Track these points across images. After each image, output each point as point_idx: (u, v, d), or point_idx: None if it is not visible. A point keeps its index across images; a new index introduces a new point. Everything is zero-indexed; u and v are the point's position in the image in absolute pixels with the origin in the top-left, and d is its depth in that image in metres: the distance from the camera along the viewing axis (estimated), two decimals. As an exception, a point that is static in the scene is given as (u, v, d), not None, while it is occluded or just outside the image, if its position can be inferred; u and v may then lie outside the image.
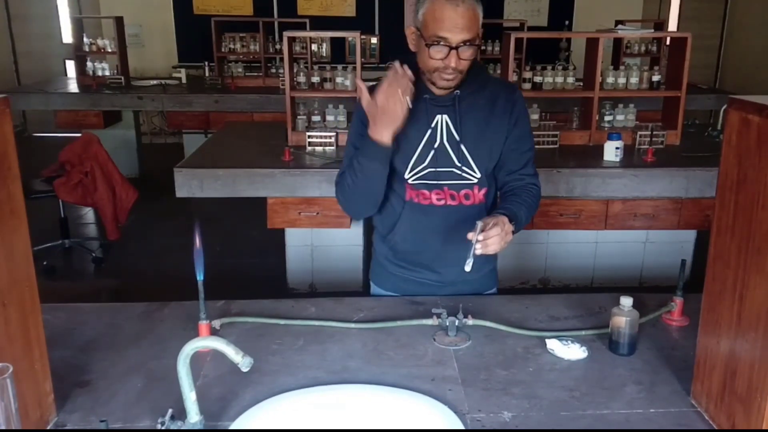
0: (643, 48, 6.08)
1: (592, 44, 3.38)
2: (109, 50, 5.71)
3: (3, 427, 0.89)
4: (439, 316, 1.43)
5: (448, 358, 1.33)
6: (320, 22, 6.38)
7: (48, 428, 1.10)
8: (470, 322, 1.43)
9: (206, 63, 6.16)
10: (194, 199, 3.12)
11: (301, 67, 3.82)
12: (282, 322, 1.46)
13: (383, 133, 1.46)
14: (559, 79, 3.54)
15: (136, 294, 3.57)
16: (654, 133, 3.30)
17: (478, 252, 1.35)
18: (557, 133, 3.38)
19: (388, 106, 1.43)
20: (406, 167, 1.60)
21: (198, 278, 1.27)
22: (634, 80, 3.45)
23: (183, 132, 6.05)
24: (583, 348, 1.33)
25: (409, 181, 1.62)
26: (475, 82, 1.58)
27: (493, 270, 1.79)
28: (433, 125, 1.58)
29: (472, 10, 1.44)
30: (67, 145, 4.00)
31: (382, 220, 1.71)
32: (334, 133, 3.27)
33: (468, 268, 1.34)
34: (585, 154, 3.25)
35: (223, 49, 6.07)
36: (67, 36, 7.33)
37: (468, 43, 1.45)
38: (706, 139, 3.60)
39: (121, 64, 5.67)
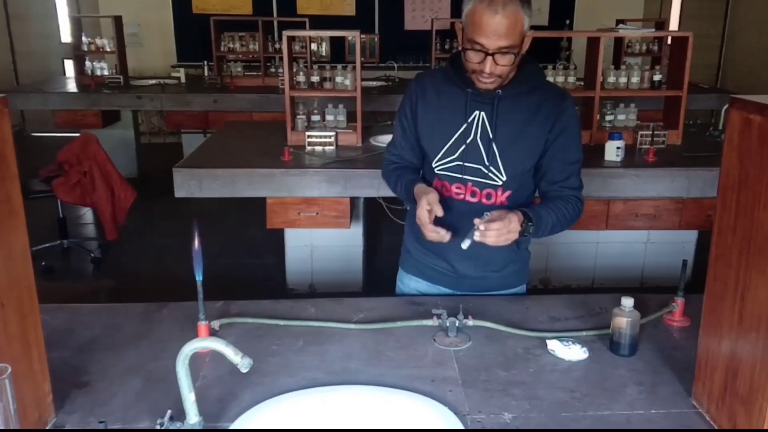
0: (644, 47, 6.07)
1: (593, 43, 3.37)
2: (108, 50, 5.70)
3: (2, 428, 0.88)
4: (439, 316, 1.42)
5: (449, 359, 1.32)
6: (320, 22, 6.38)
7: (47, 429, 1.10)
8: (470, 322, 1.42)
9: (205, 62, 6.15)
10: (193, 199, 3.11)
11: (301, 66, 3.81)
12: (281, 322, 1.46)
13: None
14: (560, 79, 3.54)
15: (135, 294, 3.57)
16: (655, 132, 3.29)
17: (476, 239, 1.40)
18: (557, 132, 3.37)
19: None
20: (436, 156, 1.61)
21: (197, 279, 1.27)
22: (635, 80, 3.45)
23: (182, 132, 6.05)
24: (584, 349, 1.33)
25: (435, 170, 1.63)
26: (524, 85, 1.56)
27: (519, 269, 1.78)
28: (469, 120, 1.57)
29: (513, 17, 1.40)
30: (66, 144, 4.00)
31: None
32: (333, 133, 3.27)
33: (465, 246, 1.42)
34: (586, 153, 3.20)
35: (222, 49, 6.06)
36: (66, 35, 7.33)
37: (506, 50, 1.42)
38: (708, 139, 3.59)
39: (119, 64, 5.66)
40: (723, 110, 3.65)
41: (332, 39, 6.25)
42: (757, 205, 0.97)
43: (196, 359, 1.23)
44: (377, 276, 3.61)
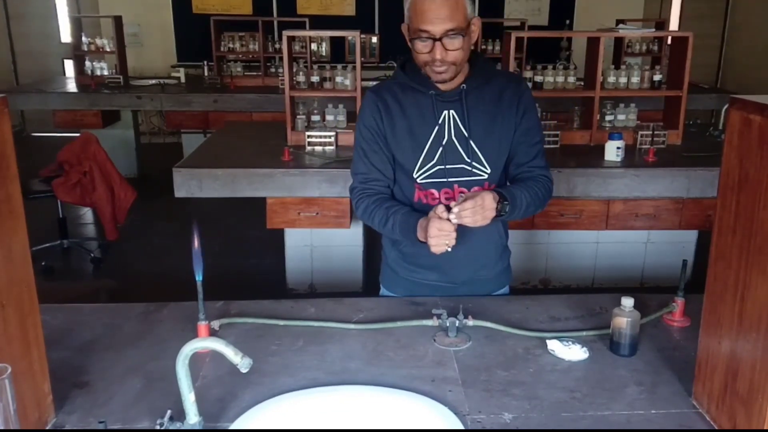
0: (644, 47, 6.07)
1: (593, 44, 3.37)
2: (108, 50, 5.70)
3: (2, 428, 0.88)
4: (439, 316, 1.42)
5: (449, 359, 1.32)
6: (320, 22, 6.39)
7: (47, 429, 1.10)
8: (470, 322, 1.42)
9: (205, 62, 6.16)
10: (193, 199, 3.11)
11: (301, 66, 3.82)
12: (281, 322, 1.46)
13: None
14: (560, 79, 3.53)
15: (135, 294, 3.57)
16: (655, 132, 3.29)
17: (453, 220, 1.40)
18: (558, 132, 3.37)
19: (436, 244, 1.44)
20: (415, 166, 1.59)
21: (197, 279, 1.27)
22: (635, 80, 3.45)
23: (182, 132, 6.05)
24: (584, 349, 1.32)
25: (418, 180, 1.60)
26: (481, 76, 1.57)
27: (506, 268, 1.78)
28: (440, 121, 1.56)
29: (453, 0, 1.41)
30: (66, 144, 4.00)
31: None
32: (333, 133, 3.27)
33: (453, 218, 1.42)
34: (586, 153, 3.25)
35: (222, 49, 6.06)
36: (66, 35, 7.33)
37: (452, 33, 1.42)
38: (708, 139, 3.60)
39: (119, 64, 5.67)
40: (723, 110, 3.66)
41: (332, 39, 6.26)
42: (757, 205, 0.97)
43: (196, 359, 1.23)
44: (377, 276, 3.60)
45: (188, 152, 3.75)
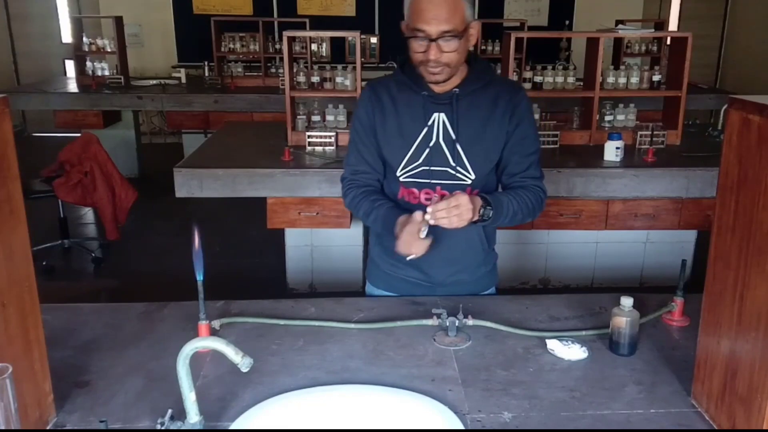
0: (643, 48, 6.08)
1: (592, 44, 3.37)
2: (109, 50, 5.71)
3: (2, 427, 0.89)
4: (439, 316, 1.43)
5: (448, 359, 1.33)
6: (320, 22, 6.39)
7: (47, 428, 1.10)
8: (470, 322, 1.42)
9: (206, 63, 6.16)
10: (194, 199, 3.11)
11: (301, 66, 3.82)
12: (282, 322, 1.46)
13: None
14: (560, 79, 3.54)
15: (136, 294, 3.57)
16: (654, 132, 3.29)
17: (430, 221, 1.39)
18: (557, 132, 3.37)
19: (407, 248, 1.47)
20: (400, 164, 1.59)
21: (197, 278, 1.27)
22: (634, 80, 3.45)
23: (182, 132, 6.05)
24: (584, 348, 1.33)
25: (401, 179, 1.61)
26: (478, 81, 1.56)
27: (490, 271, 1.77)
28: (429, 123, 1.56)
29: (452, 1, 1.41)
30: (67, 145, 4.00)
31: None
32: (334, 133, 3.27)
33: (422, 235, 1.41)
34: (585, 154, 3.25)
35: (222, 49, 6.06)
36: (67, 36, 7.34)
37: (448, 35, 1.41)
38: (707, 139, 3.60)
39: (120, 64, 5.67)
40: (722, 110, 3.65)
41: (332, 39, 6.26)
42: (756, 204, 0.97)
43: (196, 359, 1.23)
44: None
45: (189, 152, 3.75)
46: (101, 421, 1.03)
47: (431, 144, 1.56)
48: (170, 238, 4.38)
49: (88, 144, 3.92)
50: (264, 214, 2.99)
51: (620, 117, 3.51)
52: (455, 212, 1.38)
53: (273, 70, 5.91)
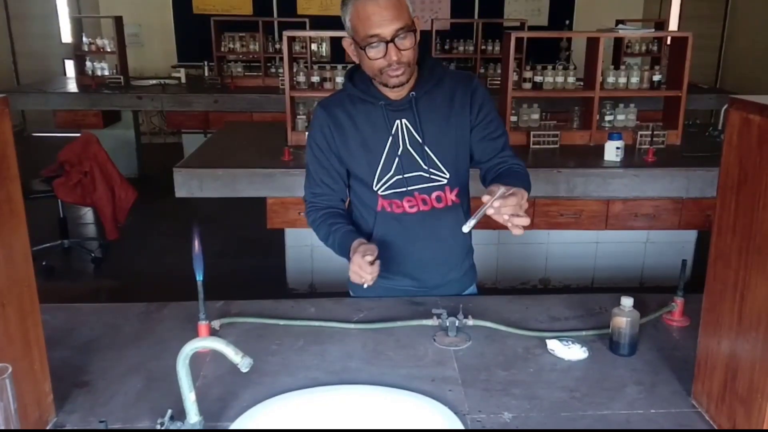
0: (643, 48, 6.08)
1: (592, 44, 3.37)
2: (109, 50, 5.71)
3: (2, 428, 0.88)
4: (439, 316, 1.42)
5: (449, 359, 1.32)
6: (320, 22, 6.38)
7: (47, 428, 1.10)
8: (470, 322, 1.42)
9: (206, 63, 6.16)
10: (194, 199, 3.11)
11: (301, 66, 3.82)
12: (282, 322, 1.46)
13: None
14: (560, 79, 3.54)
15: (136, 294, 3.57)
16: (655, 132, 3.29)
17: (490, 212, 1.24)
18: (558, 132, 3.37)
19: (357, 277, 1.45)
20: (373, 178, 1.57)
21: (197, 278, 1.27)
22: (634, 80, 3.45)
23: (182, 132, 6.05)
24: (584, 348, 1.33)
25: (379, 192, 1.58)
26: (431, 80, 1.54)
27: (471, 267, 1.76)
28: (393, 132, 1.53)
29: None
30: (67, 145, 4.00)
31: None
32: (333, 133, 3.27)
33: (466, 228, 1.24)
34: (585, 153, 3.25)
35: (222, 49, 6.07)
36: (67, 36, 7.34)
37: (402, 32, 1.40)
38: (707, 139, 3.60)
39: (120, 64, 5.67)
40: (722, 110, 3.65)
41: (332, 39, 6.25)
42: (756, 204, 0.97)
43: (196, 359, 1.23)
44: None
45: (189, 152, 3.75)
46: (101, 422, 1.03)
47: (400, 152, 1.54)
48: (170, 238, 4.38)
49: (88, 144, 3.92)
50: (264, 214, 2.99)
51: (620, 117, 3.51)
52: (519, 209, 1.26)
53: (273, 70, 5.91)
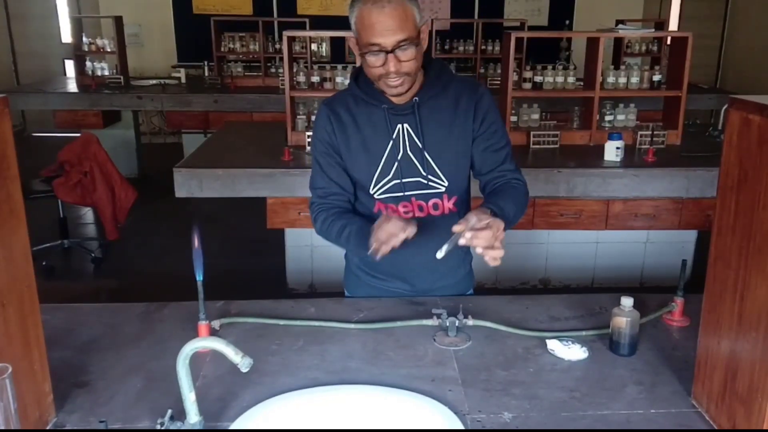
0: (643, 48, 6.08)
1: (592, 44, 3.37)
2: (109, 50, 5.71)
3: (2, 428, 0.88)
4: (439, 316, 1.42)
5: (448, 359, 1.32)
6: (320, 22, 6.38)
7: (47, 428, 1.10)
8: (470, 322, 1.42)
9: (206, 63, 6.16)
10: (194, 199, 3.11)
11: (301, 66, 3.82)
12: (282, 322, 1.46)
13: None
14: (560, 79, 3.54)
15: (136, 294, 3.57)
16: (655, 132, 3.29)
17: (462, 242, 1.26)
18: (558, 132, 3.37)
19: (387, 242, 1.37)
20: (371, 182, 1.55)
21: (197, 278, 1.27)
22: (634, 80, 3.45)
23: (182, 132, 6.05)
24: (584, 348, 1.33)
25: (376, 196, 1.57)
26: (436, 86, 1.51)
27: (468, 273, 1.74)
28: (394, 136, 1.52)
29: (401, 9, 1.36)
30: (66, 145, 4.00)
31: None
32: (333, 133, 3.27)
33: (440, 255, 1.25)
34: (585, 153, 3.25)
35: (222, 49, 6.07)
36: (66, 36, 7.34)
37: (404, 44, 1.37)
38: (707, 139, 3.60)
39: (120, 64, 5.67)
40: (722, 110, 3.66)
41: (332, 39, 6.26)
42: (756, 205, 0.97)
43: (196, 359, 1.23)
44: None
45: (189, 152, 3.75)
46: (101, 421, 1.03)
47: (399, 156, 1.52)
48: (170, 238, 4.38)
49: (88, 144, 3.92)
50: (264, 214, 2.99)
51: (620, 117, 3.51)
52: (493, 241, 1.26)
53: (273, 70, 5.91)
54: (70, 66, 6.66)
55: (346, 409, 1.14)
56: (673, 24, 7.14)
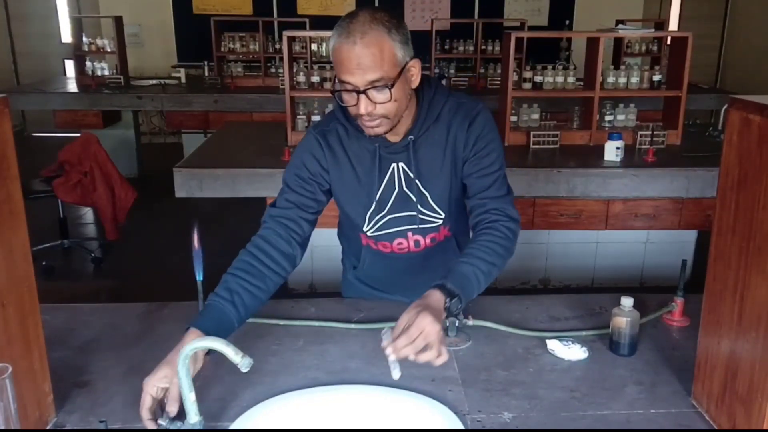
0: (643, 48, 6.08)
1: (592, 44, 3.37)
2: (109, 50, 5.71)
3: (2, 428, 0.88)
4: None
5: (449, 359, 1.32)
6: (320, 22, 6.37)
7: (47, 428, 1.10)
8: (470, 322, 1.42)
9: (206, 63, 6.16)
10: (193, 199, 3.11)
11: (301, 66, 3.82)
12: (282, 322, 1.46)
13: None
14: (560, 79, 3.54)
15: (136, 294, 3.57)
16: (655, 132, 3.29)
17: (392, 359, 1.10)
18: (558, 132, 3.37)
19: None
20: (365, 219, 1.48)
21: (197, 278, 1.27)
22: (634, 80, 3.45)
23: (182, 132, 6.05)
24: (584, 348, 1.33)
25: (369, 234, 1.51)
26: (430, 117, 1.39)
27: None
28: (389, 174, 1.43)
29: (377, 46, 1.20)
30: (66, 145, 4.00)
31: (349, 246, 1.67)
32: (333, 133, 3.27)
33: (396, 377, 1.10)
34: (585, 154, 3.25)
35: (222, 49, 6.06)
36: (66, 36, 7.34)
37: (378, 85, 1.22)
38: (707, 139, 3.60)
39: (120, 64, 5.67)
40: (722, 110, 3.65)
41: (332, 39, 6.24)
42: (756, 205, 0.97)
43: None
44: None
45: (189, 152, 3.75)
46: (101, 421, 1.03)
47: (395, 193, 1.44)
48: (170, 238, 4.38)
49: (88, 144, 3.92)
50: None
51: (620, 117, 3.51)
52: (421, 339, 1.10)
53: (273, 70, 5.91)
54: (70, 66, 6.66)
55: (346, 409, 1.14)
56: (673, 24, 7.14)
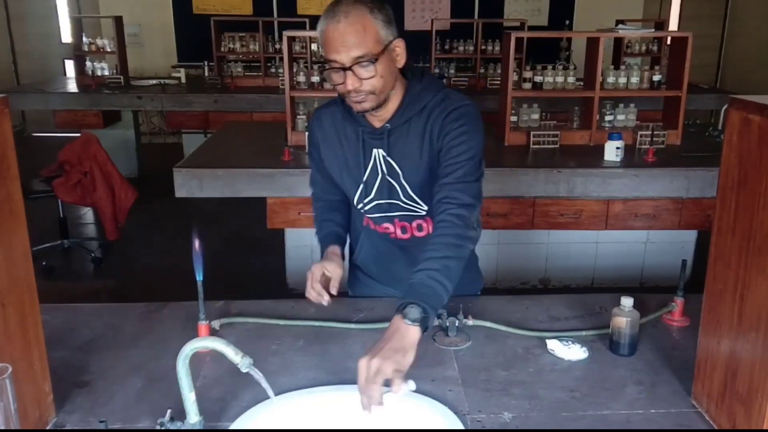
0: (643, 48, 6.08)
1: (592, 44, 3.37)
2: (109, 50, 5.71)
3: (2, 428, 0.88)
4: (439, 316, 1.42)
5: (449, 359, 1.32)
6: (320, 22, 6.38)
7: (47, 428, 1.10)
8: (470, 322, 1.42)
9: (206, 63, 6.16)
10: (194, 199, 3.11)
11: (301, 66, 3.82)
12: (282, 322, 1.46)
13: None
14: (560, 79, 3.54)
15: (136, 294, 3.57)
16: (655, 132, 3.29)
17: (398, 392, 1.10)
18: (557, 132, 3.37)
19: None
20: (354, 198, 1.54)
21: (197, 278, 1.27)
22: (634, 80, 3.45)
23: (182, 132, 6.05)
24: (584, 348, 1.33)
25: (361, 211, 1.57)
26: (411, 109, 1.42)
27: (474, 276, 1.71)
28: (372, 160, 1.48)
29: (360, 23, 1.27)
30: (66, 145, 4.00)
31: (351, 237, 1.70)
32: (333, 133, 3.27)
33: (411, 388, 1.11)
34: (585, 153, 3.25)
35: (222, 49, 6.06)
36: (66, 36, 7.34)
37: (363, 61, 1.29)
38: (707, 139, 3.60)
39: (120, 64, 5.67)
40: (722, 110, 3.66)
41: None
42: (756, 204, 0.97)
43: (196, 359, 1.23)
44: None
45: (189, 152, 3.75)
46: (101, 422, 1.03)
47: (379, 180, 1.49)
48: (170, 238, 4.38)
49: (88, 144, 3.92)
50: (264, 214, 2.99)
51: (620, 117, 3.51)
52: (372, 376, 1.09)
53: (273, 70, 5.91)
54: (70, 66, 6.66)
55: (346, 409, 1.14)
56: (673, 24, 7.14)
